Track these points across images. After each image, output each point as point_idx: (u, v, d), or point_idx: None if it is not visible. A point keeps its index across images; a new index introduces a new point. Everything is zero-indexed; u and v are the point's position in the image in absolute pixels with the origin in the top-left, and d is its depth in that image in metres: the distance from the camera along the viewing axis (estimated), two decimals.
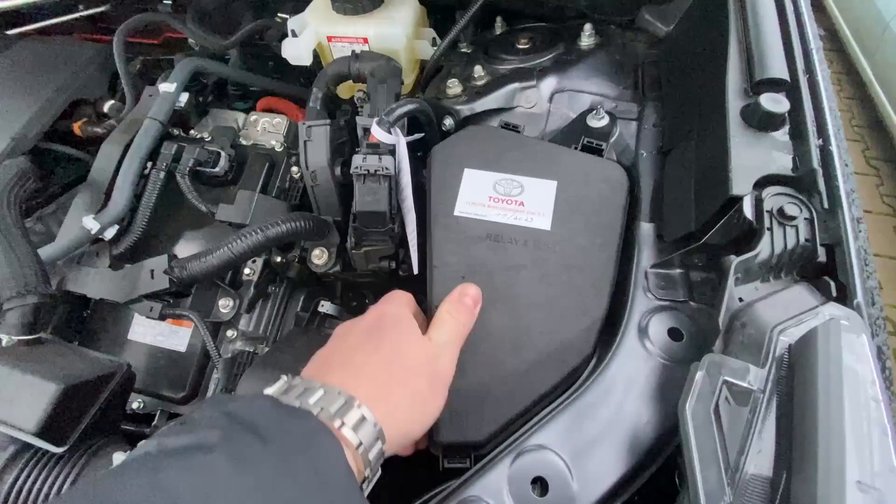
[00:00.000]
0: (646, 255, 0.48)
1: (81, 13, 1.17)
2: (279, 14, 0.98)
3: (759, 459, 0.28)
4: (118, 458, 0.54)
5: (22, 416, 0.47)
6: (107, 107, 0.83)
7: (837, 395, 0.28)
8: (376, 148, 0.56)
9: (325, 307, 0.74)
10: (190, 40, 0.99)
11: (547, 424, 0.39)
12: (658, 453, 0.37)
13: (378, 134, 0.56)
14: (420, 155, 0.68)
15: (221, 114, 0.86)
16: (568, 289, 0.49)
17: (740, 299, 0.35)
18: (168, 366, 0.69)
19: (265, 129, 0.83)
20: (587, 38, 0.70)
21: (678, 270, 0.46)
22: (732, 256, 0.36)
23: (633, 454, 0.37)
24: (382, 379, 0.37)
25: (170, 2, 1.07)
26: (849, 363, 0.29)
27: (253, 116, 0.84)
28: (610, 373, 0.41)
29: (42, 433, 0.47)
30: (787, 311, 0.32)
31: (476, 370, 0.46)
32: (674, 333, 0.42)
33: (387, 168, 0.55)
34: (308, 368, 0.41)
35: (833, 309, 0.32)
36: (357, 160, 0.56)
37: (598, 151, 0.57)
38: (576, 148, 0.58)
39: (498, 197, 0.55)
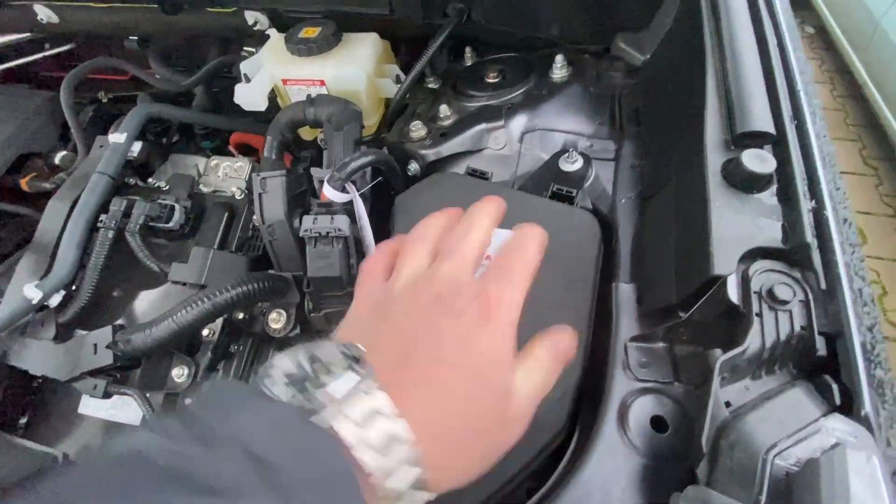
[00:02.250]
0: (625, 324, 0.43)
1: (48, 52, 1.14)
2: (245, 48, 0.94)
3: None
4: None
5: None
6: (58, 158, 0.79)
7: None
8: (329, 207, 0.52)
9: None
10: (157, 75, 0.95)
11: None
12: None
13: (329, 193, 0.51)
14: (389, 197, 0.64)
15: (181, 159, 0.82)
16: None
17: (727, 403, 0.30)
18: None
19: (226, 174, 0.79)
20: (559, 70, 0.66)
21: (661, 344, 0.41)
22: (718, 352, 0.31)
23: None
24: (445, 407, 0.26)
25: (135, 38, 1.04)
26: (858, 494, 0.24)
27: (214, 161, 0.80)
28: (586, 475, 0.36)
29: None
30: (783, 427, 0.27)
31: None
32: (657, 423, 0.37)
33: (339, 229, 0.51)
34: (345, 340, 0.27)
35: (837, 423, 0.27)
36: (307, 222, 0.51)
37: (569, 199, 0.52)
38: (547, 195, 0.53)
39: None
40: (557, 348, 0.32)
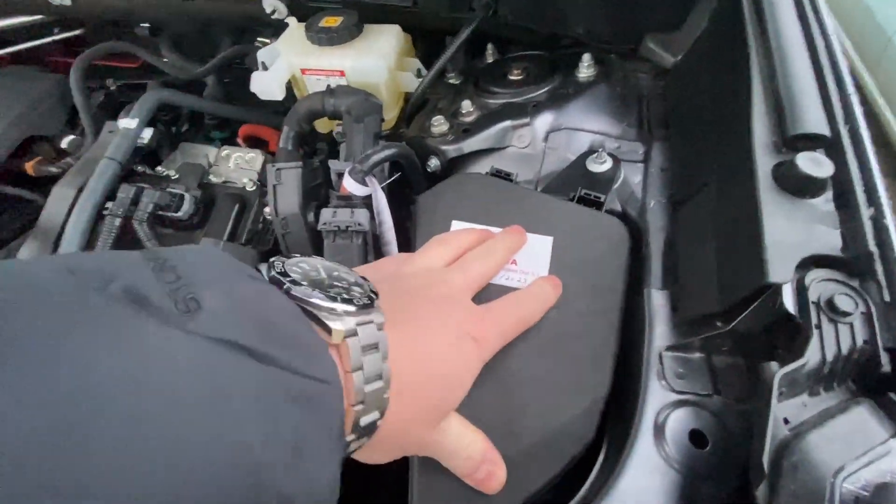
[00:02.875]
0: (659, 333, 0.41)
1: (56, 37, 1.12)
2: (259, 38, 0.92)
3: None
4: None
5: None
6: (65, 143, 0.77)
7: None
8: (349, 200, 0.50)
9: None
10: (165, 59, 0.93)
11: None
12: None
13: (350, 185, 0.49)
14: (404, 194, 0.62)
15: (191, 148, 0.80)
16: (566, 362, 0.42)
17: (786, 420, 0.28)
18: None
19: (238, 165, 0.77)
20: (586, 69, 0.64)
21: (699, 354, 0.39)
22: (775, 365, 0.29)
23: None
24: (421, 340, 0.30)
25: (146, 25, 1.02)
26: None
27: (225, 151, 0.78)
28: (620, 490, 0.33)
29: None
30: (849, 447, 0.25)
31: None
32: (696, 438, 0.35)
33: (360, 223, 0.49)
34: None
35: None
36: (326, 215, 0.49)
37: (597, 204, 0.50)
38: (573, 199, 0.51)
39: None
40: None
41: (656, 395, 0.37)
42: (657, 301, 0.43)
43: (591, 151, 0.55)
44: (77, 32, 1.10)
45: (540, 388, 0.41)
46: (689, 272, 0.42)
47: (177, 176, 0.73)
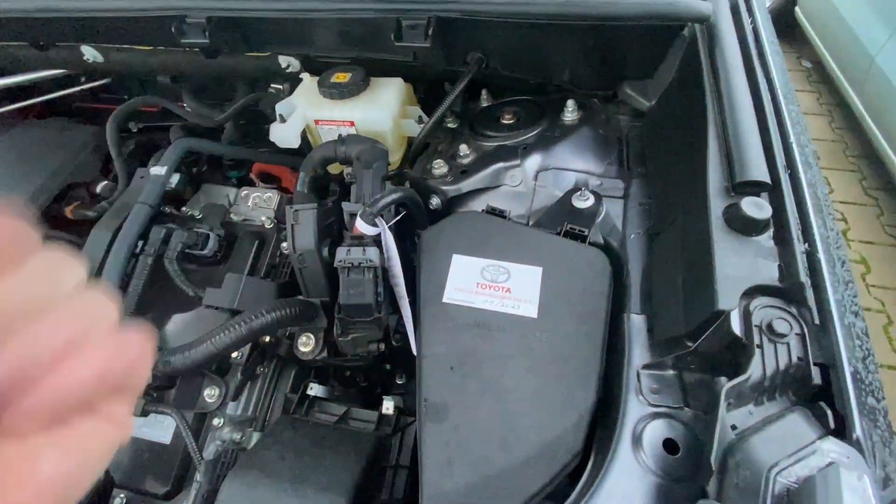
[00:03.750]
0: (637, 353, 0.46)
1: (84, 86, 1.21)
2: (272, 85, 1.00)
3: None
4: None
5: None
6: (100, 187, 0.84)
7: None
8: (360, 239, 0.56)
9: (314, 390, 0.71)
10: (186, 107, 1.01)
11: None
12: None
13: (361, 227, 0.55)
14: (407, 230, 0.68)
15: (213, 189, 0.87)
16: (556, 380, 0.48)
17: (733, 426, 0.33)
18: (152, 459, 0.66)
19: (256, 204, 0.84)
20: (570, 114, 0.71)
21: (671, 372, 0.44)
22: (723, 380, 0.35)
23: None
24: None
25: (168, 79, 1.11)
26: None
27: (244, 192, 0.85)
28: (604, 493, 0.38)
29: None
30: (783, 448, 0.30)
31: (465, 471, 0.44)
32: (669, 446, 0.40)
33: (371, 260, 0.55)
34: None
35: (832, 445, 0.30)
36: (341, 253, 0.55)
37: (581, 237, 0.56)
38: (560, 232, 0.58)
39: (485, 283, 0.54)
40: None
41: (634, 409, 0.43)
42: (636, 324, 0.48)
43: (576, 189, 0.62)
44: (104, 82, 1.20)
45: (533, 404, 0.47)
46: (661, 298, 0.47)
47: (200, 215, 0.80)
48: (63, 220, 0.80)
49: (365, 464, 0.56)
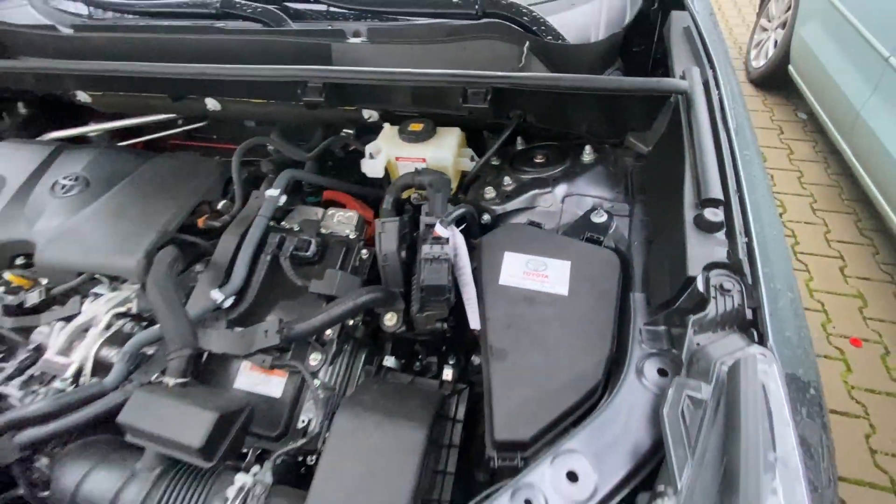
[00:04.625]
0: (639, 317, 0.67)
1: (186, 127, 1.50)
2: (344, 130, 1.26)
3: (710, 441, 0.44)
4: (240, 478, 0.71)
5: (189, 435, 0.65)
6: (220, 205, 1.09)
7: (756, 407, 0.45)
8: (439, 240, 0.78)
9: (389, 361, 0.92)
10: (269, 147, 1.26)
11: (575, 435, 0.55)
12: (654, 454, 0.53)
13: (441, 231, 0.78)
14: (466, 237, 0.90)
15: (305, 209, 1.11)
16: (582, 336, 0.68)
17: (698, 344, 0.53)
18: (265, 409, 0.86)
19: (339, 221, 1.08)
20: (588, 155, 0.94)
21: (662, 327, 0.64)
22: (691, 316, 0.55)
23: (637, 455, 0.53)
24: None
25: (253, 123, 1.38)
26: (763, 380, 0.47)
27: (330, 211, 1.09)
28: (618, 401, 0.58)
29: (202, 449, 0.65)
30: (725, 350, 0.50)
31: (521, 389, 0.64)
32: (661, 372, 0.60)
33: (446, 254, 0.77)
34: None
35: (755, 349, 0.50)
36: (426, 249, 0.77)
37: (598, 242, 0.78)
38: (582, 239, 0.79)
39: (529, 272, 0.76)
40: None
41: (637, 351, 0.63)
42: (638, 299, 0.69)
43: (593, 209, 0.84)
44: (200, 125, 1.48)
45: (565, 352, 0.67)
46: (654, 281, 0.68)
47: (299, 228, 1.04)
48: (195, 228, 1.04)
49: (434, 410, 0.76)
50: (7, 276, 0.98)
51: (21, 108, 1.48)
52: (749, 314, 0.54)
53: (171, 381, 0.73)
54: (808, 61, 3.17)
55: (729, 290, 0.55)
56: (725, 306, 0.55)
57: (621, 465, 0.52)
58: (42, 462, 0.83)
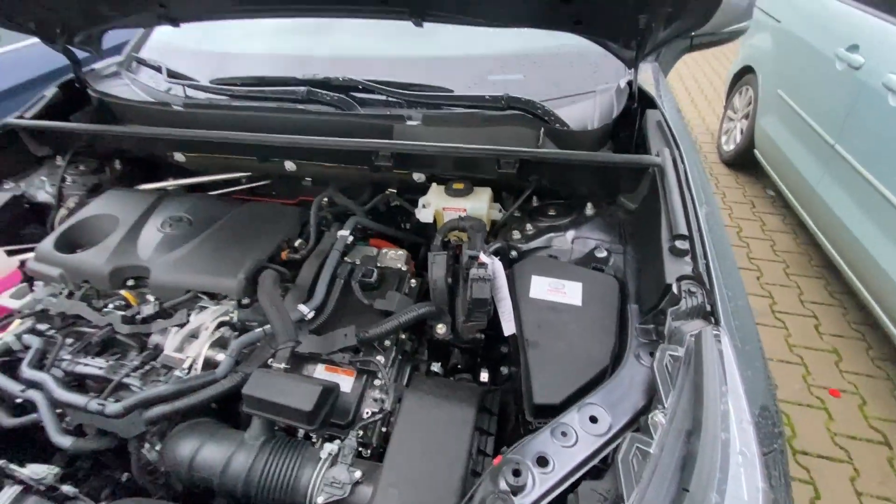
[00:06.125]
0: (634, 320, 0.92)
1: (251, 185, 1.79)
2: (389, 189, 1.57)
3: (685, 382, 0.68)
4: (328, 447, 0.90)
5: (301, 401, 0.86)
6: (297, 243, 1.35)
7: (713, 359, 0.69)
8: (483, 265, 1.05)
9: (435, 367, 1.13)
10: (324, 200, 1.54)
11: (593, 395, 0.78)
12: (649, 405, 0.75)
13: (484, 258, 1.04)
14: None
15: (362, 248, 1.38)
16: (594, 334, 0.92)
17: (675, 326, 0.78)
18: (338, 403, 1.05)
19: (391, 257, 1.34)
20: (589, 210, 1.24)
21: (652, 325, 0.89)
22: (669, 309, 0.80)
23: (636, 406, 0.75)
24: None
25: (310, 180, 1.68)
26: (718, 347, 0.71)
27: (384, 250, 1.36)
28: (623, 373, 0.81)
29: (311, 413, 0.85)
30: (692, 328, 0.75)
31: (551, 367, 0.86)
32: (652, 355, 0.84)
33: (488, 276, 1.03)
34: None
35: (713, 328, 0.75)
36: (473, 271, 1.03)
37: (601, 270, 1.05)
38: (590, 268, 1.06)
39: (552, 289, 1.01)
40: None
41: (634, 342, 0.87)
42: (633, 308, 0.94)
43: (596, 247, 1.12)
44: (265, 182, 1.78)
45: (584, 343, 0.91)
46: (644, 294, 0.94)
47: (359, 262, 1.29)
48: (279, 259, 1.29)
49: (478, 399, 0.97)
50: (123, 293, 1.22)
51: (117, 165, 1.79)
52: (708, 308, 0.80)
53: (279, 366, 0.95)
54: (769, 147, 3.65)
55: (694, 293, 0.81)
56: (692, 303, 0.80)
57: (626, 412, 0.75)
58: (146, 447, 1.01)
